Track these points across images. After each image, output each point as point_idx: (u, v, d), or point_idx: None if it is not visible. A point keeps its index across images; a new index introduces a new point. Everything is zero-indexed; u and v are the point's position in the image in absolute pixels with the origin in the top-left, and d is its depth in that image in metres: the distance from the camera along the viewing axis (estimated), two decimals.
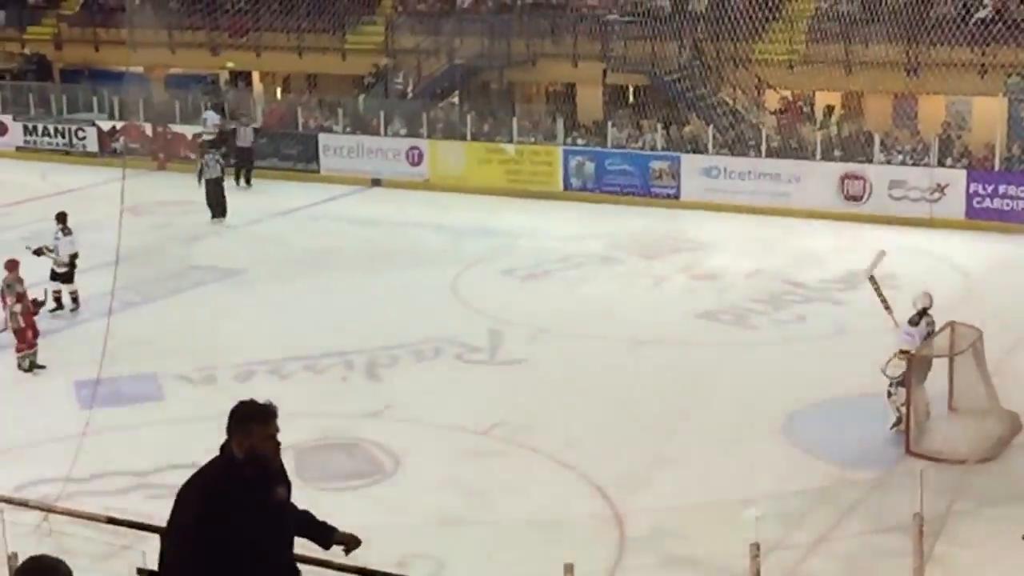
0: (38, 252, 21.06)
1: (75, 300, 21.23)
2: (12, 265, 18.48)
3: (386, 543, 12.87)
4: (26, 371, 18.23)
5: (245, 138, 32.11)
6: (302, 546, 6.65)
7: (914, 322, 15.43)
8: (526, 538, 13.09)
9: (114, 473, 14.44)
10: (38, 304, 18.96)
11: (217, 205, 27.93)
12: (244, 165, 31.85)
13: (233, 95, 35.66)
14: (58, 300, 21.12)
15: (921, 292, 15.76)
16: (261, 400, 6.28)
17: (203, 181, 28.04)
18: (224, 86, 36.95)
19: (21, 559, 5.97)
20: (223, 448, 6.18)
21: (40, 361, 18.34)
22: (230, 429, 6.14)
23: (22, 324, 18.22)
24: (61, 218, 21.73)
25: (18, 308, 18.20)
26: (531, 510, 13.66)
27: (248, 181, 31.81)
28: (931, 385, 15.45)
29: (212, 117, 32.80)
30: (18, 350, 18.30)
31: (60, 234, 21.47)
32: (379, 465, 14.96)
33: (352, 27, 35.38)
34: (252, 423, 6.16)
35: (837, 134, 28.73)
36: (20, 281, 18.44)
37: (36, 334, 18.50)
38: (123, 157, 32.56)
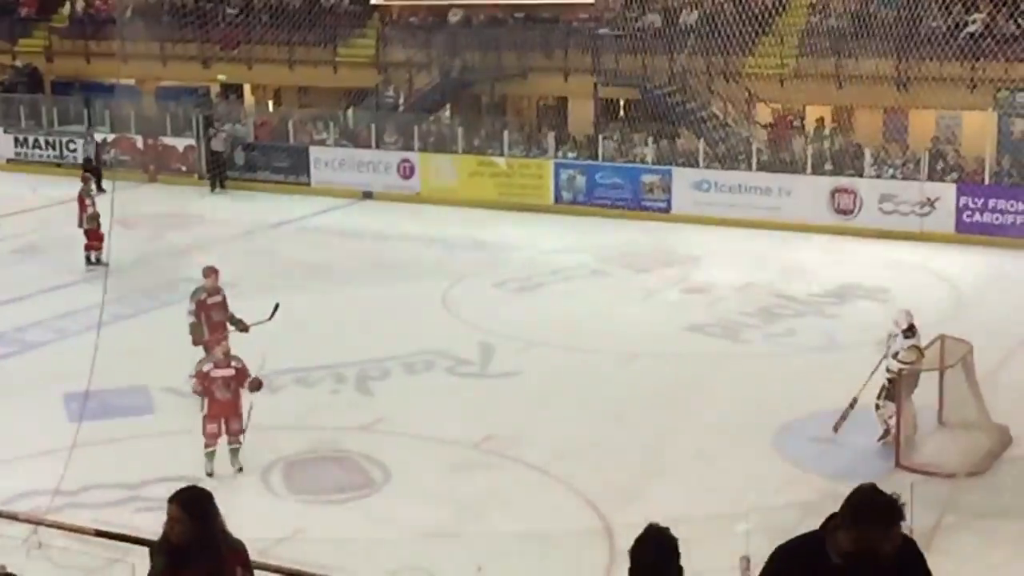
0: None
1: None
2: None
3: (376, 556, 12.90)
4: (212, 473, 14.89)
5: (218, 143, 32.63)
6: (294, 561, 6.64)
7: (908, 336, 15.40)
8: (516, 551, 13.07)
9: (104, 486, 14.39)
10: (254, 383, 15.13)
11: None
12: (217, 170, 32.55)
13: (223, 107, 35.70)
14: None
15: (901, 311, 15.67)
16: (881, 493, 5.32)
17: None
18: (215, 99, 36.97)
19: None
20: (825, 522, 5.49)
21: (29, 374, 18.22)
22: (843, 514, 5.36)
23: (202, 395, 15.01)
24: None
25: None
26: (521, 523, 13.64)
27: (222, 185, 32.52)
28: (918, 399, 15.46)
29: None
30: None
31: None
32: (369, 478, 14.94)
33: (343, 40, 35.42)
34: (868, 524, 5.26)
35: (828, 148, 28.80)
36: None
37: (236, 432, 14.94)
38: (113, 169, 32.59)
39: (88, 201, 24.79)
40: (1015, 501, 14.05)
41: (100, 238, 24.30)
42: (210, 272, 17.60)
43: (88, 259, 24.45)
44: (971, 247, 25.22)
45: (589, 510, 13.94)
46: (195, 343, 17.21)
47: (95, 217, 24.46)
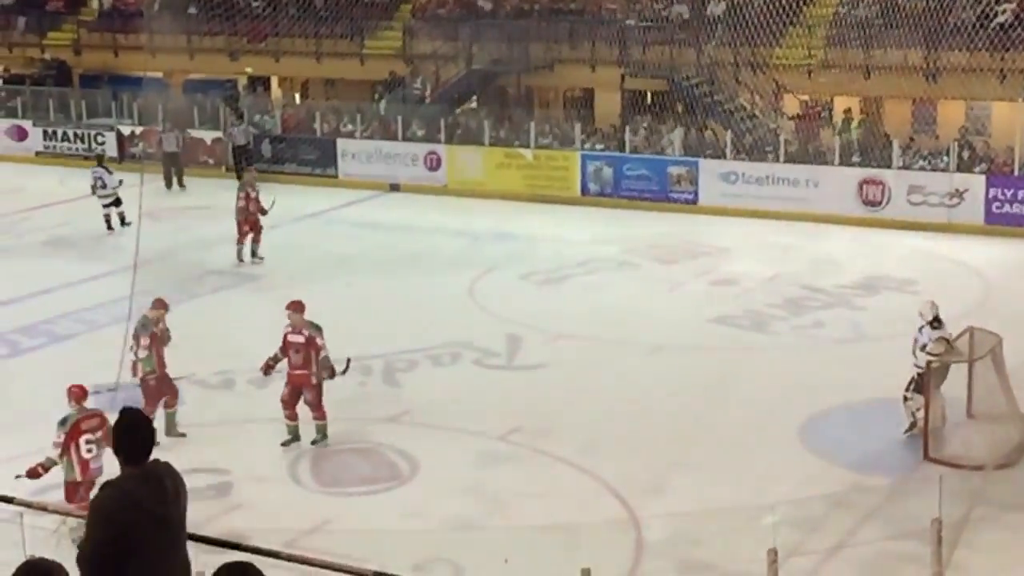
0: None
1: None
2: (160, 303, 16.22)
3: (403, 548, 12.91)
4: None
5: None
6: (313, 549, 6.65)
7: (935, 327, 15.34)
8: (543, 543, 13.09)
9: None
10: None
11: None
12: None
13: (249, 100, 35.78)
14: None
15: (926, 303, 15.61)
16: None
17: None
18: (242, 91, 37.06)
19: None
20: None
21: (59, 366, 18.29)
22: None
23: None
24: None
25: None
26: (548, 515, 13.65)
27: (180, 183, 32.16)
28: (948, 391, 15.40)
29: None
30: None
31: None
32: (396, 470, 14.97)
33: (370, 32, 35.46)
34: None
35: (856, 139, 28.67)
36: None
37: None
38: (141, 162, 32.71)
39: (241, 194, 24.82)
40: None
41: (242, 232, 24.48)
42: (295, 305, 16.28)
43: (252, 252, 24.63)
44: (1000, 239, 25.07)
45: (615, 502, 13.94)
46: (262, 369, 16.14)
47: (242, 210, 24.54)
